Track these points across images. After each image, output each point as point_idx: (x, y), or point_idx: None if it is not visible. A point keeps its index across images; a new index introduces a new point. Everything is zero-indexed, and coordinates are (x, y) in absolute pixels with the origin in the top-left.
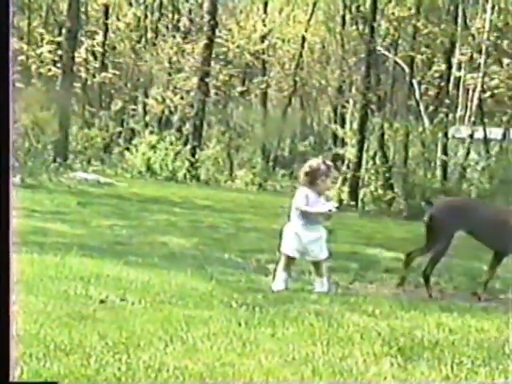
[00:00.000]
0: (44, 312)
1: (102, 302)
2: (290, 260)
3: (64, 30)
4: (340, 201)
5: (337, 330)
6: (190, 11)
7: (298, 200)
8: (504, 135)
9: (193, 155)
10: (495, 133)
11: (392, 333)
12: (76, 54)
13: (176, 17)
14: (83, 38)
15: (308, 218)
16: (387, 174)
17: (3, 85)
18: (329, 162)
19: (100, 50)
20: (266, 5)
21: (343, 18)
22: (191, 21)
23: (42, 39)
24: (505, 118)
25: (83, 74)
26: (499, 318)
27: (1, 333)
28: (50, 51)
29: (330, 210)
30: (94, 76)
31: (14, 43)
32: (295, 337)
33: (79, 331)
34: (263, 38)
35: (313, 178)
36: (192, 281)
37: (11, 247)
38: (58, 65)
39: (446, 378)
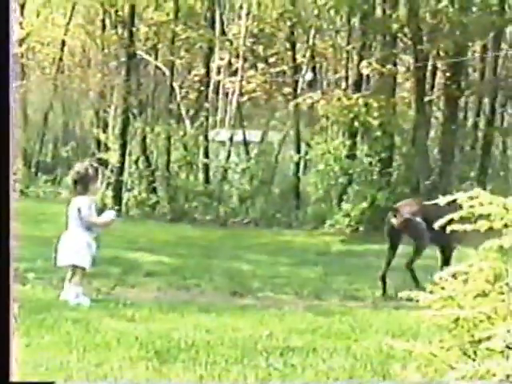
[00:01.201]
0: None
1: None
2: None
3: None
4: (104, 205)
5: (94, 337)
6: None
7: (84, 212)
8: (262, 138)
9: None
10: (254, 135)
11: (149, 336)
12: None
13: None
14: None
15: (92, 227)
16: (151, 178)
17: (3, 89)
18: (95, 164)
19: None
20: (22, 7)
21: (103, 21)
22: None
23: None
24: (262, 121)
25: None
26: (254, 315)
27: (1, 333)
28: None
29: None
30: None
31: None
32: (51, 345)
33: None
34: (21, 41)
35: (84, 185)
36: None
37: (11, 251)
38: None
39: (200, 378)
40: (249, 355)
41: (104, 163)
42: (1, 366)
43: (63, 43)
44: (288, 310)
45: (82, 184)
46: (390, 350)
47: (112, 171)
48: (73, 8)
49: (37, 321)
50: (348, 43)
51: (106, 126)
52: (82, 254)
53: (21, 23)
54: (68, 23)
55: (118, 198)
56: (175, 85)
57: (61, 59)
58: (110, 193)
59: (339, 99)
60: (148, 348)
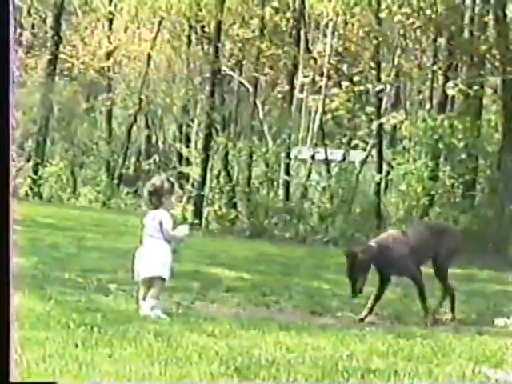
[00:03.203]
0: None
1: None
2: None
3: None
4: (184, 219)
5: (175, 350)
6: (33, 25)
7: (166, 225)
8: (344, 156)
9: (35, 172)
10: (335, 154)
11: (230, 352)
12: None
13: (18, 31)
14: None
15: (171, 241)
16: (231, 193)
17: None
18: (172, 179)
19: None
20: (110, 22)
21: (189, 37)
22: (34, 35)
23: None
24: (344, 140)
25: None
26: (335, 335)
27: (1, 334)
28: None
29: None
30: None
31: None
32: (133, 357)
33: None
34: (108, 55)
35: (159, 198)
36: (29, 301)
37: (11, 252)
38: None
39: None
40: (329, 375)
41: (185, 177)
42: (1, 367)
43: (149, 58)
44: (369, 331)
45: (157, 197)
46: (473, 375)
47: (193, 185)
48: (160, 23)
49: (119, 332)
50: (434, 63)
51: (188, 140)
52: (165, 267)
53: (109, 37)
54: (155, 38)
55: (198, 212)
56: (258, 101)
57: (146, 73)
58: (190, 207)
59: (424, 120)
60: (229, 364)
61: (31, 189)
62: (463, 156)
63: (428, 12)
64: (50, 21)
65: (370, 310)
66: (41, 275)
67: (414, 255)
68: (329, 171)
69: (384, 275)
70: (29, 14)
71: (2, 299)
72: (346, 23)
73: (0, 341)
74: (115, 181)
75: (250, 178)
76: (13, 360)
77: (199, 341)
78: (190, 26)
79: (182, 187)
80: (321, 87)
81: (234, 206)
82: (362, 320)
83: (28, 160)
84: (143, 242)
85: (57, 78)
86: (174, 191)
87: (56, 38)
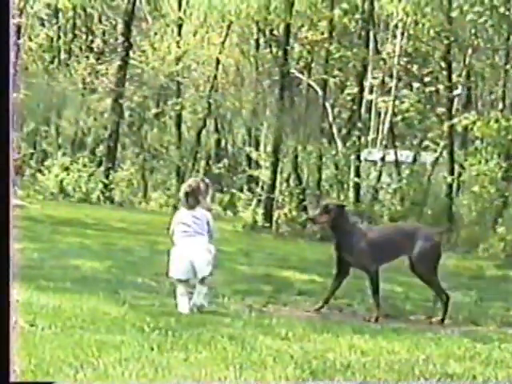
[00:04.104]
0: None
1: None
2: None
3: None
4: (255, 222)
5: (250, 354)
6: (103, 32)
7: (212, 225)
8: (414, 158)
9: (107, 177)
10: (406, 156)
11: (304, 356)
12: None
13: (90, 38)
14: None
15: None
16: (301, 196)
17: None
18: (207, 181)
19: (11, 70)
20: (180, 27)
21: (257, 41)
22: (105, 42)
23: None
24: (415, 142)
25: None
26: (409, 339)
27: (1, 334)
28: None
29: None
30: None
31: None
32: (208, 361)
33: None
34: (178, 59)
35: (195, 198)
36: (104, 305)
37: (10, 254)
38: None
39: None
40: (406, 379)
41: (255, 180)
42: (1, 367)
43: (218, 62)
44: (444, 335)
45: (193, 197)
46: None
47: (263, 188)
48: (228, 27)
49: (194, 336)
50: (506, 62)
51: (257, 143)
52: (209, 265)
53: (178, 42)
54: (223, 42)
55: (268, 216)
56: (327, 104)
57: (215, 77)
58: (260, 210)
59: (497, 121)
60: (303, 368)
61: (103, 193)
62: None
63: (501, 10)
64: (120, 27)
65: (326, 301)
66: (115, 279)
67: (375, 251)
68: (399, 173)
69: (342, 262)
70: (100, 21)
71: (2, 300)
72: (416, 23)
73: (0, 341)
74: None
75: (319, 180)
76: (13, 360)
77: (273, 344)
78: (259, 30)
79: (251, 190)
80: (390, 88)
81: (305, 208)
82: (317, 310)
83: (99, 165)
84: (183, 242)
85: (127, 83)
86: (208, 192)
87: (126, 44)
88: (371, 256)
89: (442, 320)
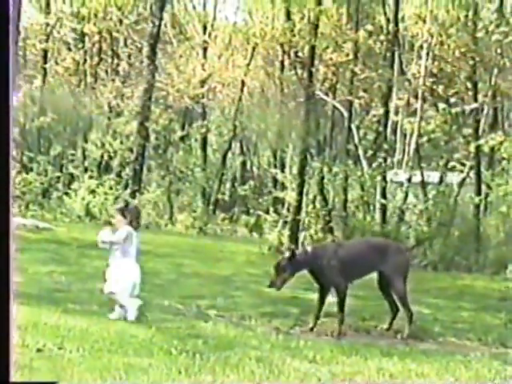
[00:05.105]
0: None
1: (38, 350)
2: None
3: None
4: (280, 243)
5: (278, 377)
6: (129, 56)
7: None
8: (441, 179)
9: (132, 199)
10: (432, 176)
11: (332, 378)
12: (14, 99)
13: (115, 61)
14: (21, 83)
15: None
16: (327, 218)
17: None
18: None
19: (38, 94)
20: (205, 50)
21: (282, 62)
22: (130, 65)
23: None
24: (441, 162)
25: (21, 119)
26: (439, 361)
27: (1, 334)
28: None
29: None
30: (32, 120)
31: None
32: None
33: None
34: (203, 82)
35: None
36: (132, 328)
37: (11, 259)
38: None
39: None
40: None
41: (281, 202)
42: (1, 367)
43: (243, 84)
44: (474, 357)
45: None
46: None
47: (288, 210)
48: (253, 49)
49: (221, 358)
50: None
51: (283, 165)
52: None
53: (203, 65)
54: (248, 64)
55: (294, 237)
56: (353, 125)
57: (240, 100)
58: (286, 232)
59: None
60: None
61: None
62: None
63: None
64: (145, 50)
65: (316, 318)
66: (142, 302)
67: (345, 268)
68: (426, 194)
69: (318, 282)
70: (125, 44)
71: (2, 300)
72: (441, 44)
73: (0, 342)
74: (211, 207)
75: (346, 201)
76: (13, 360)
77: (301, 367)
78: (284, 52)
79: (277, 212)
80: (416, 109)
81: (331, 230)
82: (311, 329)
83: (125, 188)
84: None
85: (152, 106)
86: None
87: (152, 66)
88: (341, 273)
89: (405, 337)
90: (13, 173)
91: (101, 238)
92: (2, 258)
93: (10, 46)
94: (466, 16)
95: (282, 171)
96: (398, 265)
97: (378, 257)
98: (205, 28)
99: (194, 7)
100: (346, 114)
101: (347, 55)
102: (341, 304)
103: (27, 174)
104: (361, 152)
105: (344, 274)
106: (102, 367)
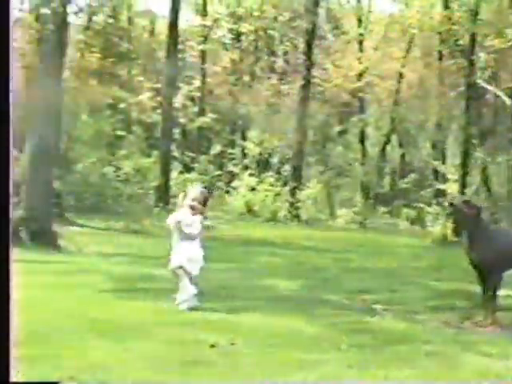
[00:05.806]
0: (158, 357)
1: (212, 346)
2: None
3: (163, 77)
4: (444, 237)
5: (454, 372)
6: (285, 53)
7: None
8: None
9: (292, 195)
10: None
11: (509, 372)
12: (174, 100)
13: (272, 59)
14: (181, 84)
15: None
16: (492, 209)
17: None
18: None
19: (198, 94)
20: (361, 43)
21: (440, 52)
22: (287, 62)
23: (142, 87)
24: None
25: (182, 120)
26: None
27: (1, 334)
28: (149, 98)
29: None
30: (192, 121)
31: (116, 91)
32: (410, 379)
33: (195, 376)
34: (360, 75)
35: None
36: (299, 323)
37: (10, 254)
38: (158, 111)
39: None
40: None
41: (443, 194)
42: (1, 367)
43: (400, 76)
44: None
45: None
46: None
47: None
48: (410, 40)
49: (393, 353)
50: None
51: (443, 157)
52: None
53: (359, 58)
54: (405, 56)
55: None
56: None
57: (397, 92)
58: (450, 224)
59: None
60: None
61: (289, 212)
62: None
63: None
64: (301, 47)
65: (493, 312)
66: (307, 297)
67: (506, 255)
68: None
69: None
70: (281, 42)
71: (2, 300)
72: None
73: (0, 342)
74: (371, 201)
75: (510, 191)
76: (13, 360)
77: (476, 361)
78: (442, 41)
79: (440, 204)
80: None
81: (495, 221)
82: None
83: (285, 184)
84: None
85: (310, 102)
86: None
87: (308, 63)
88: (501, 260)
89: None
90: (174, 173)
91: (185, 220)
92: (2, 260)
93: (10, 46)
94: None
95: (443, 163)
96: None
97: None
98: (360, 21)
99: (349, 1)
100: (509, 103)
101: (510, 41)
102: (493, 294)
103: (189, 173)
104: None
105: (503, 262)
106: (275, 362)
